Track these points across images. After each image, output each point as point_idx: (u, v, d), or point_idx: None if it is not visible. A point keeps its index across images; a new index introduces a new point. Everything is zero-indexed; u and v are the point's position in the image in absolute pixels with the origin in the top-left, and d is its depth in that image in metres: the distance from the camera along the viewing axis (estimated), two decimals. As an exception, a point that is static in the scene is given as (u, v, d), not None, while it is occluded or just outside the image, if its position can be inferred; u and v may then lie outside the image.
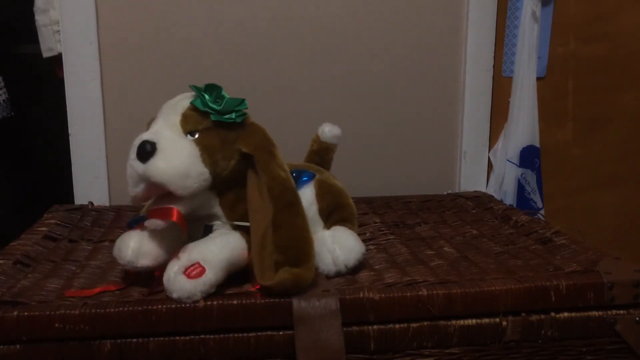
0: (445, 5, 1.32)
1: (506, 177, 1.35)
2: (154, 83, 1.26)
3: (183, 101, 0.78)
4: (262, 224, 0.73)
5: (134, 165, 0.73)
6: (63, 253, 0.92)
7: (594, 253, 0.87)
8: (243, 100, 0.78)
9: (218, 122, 0.76)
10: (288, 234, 0.72)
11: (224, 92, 0.78)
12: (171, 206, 0.73)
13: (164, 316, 0.70)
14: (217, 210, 0.78)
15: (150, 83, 1.26)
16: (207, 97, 0.77)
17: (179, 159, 0.72)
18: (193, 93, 0.79)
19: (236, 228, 0.78)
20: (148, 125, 0.79)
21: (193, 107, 0.77)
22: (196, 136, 0.75)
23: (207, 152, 0.75)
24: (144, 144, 0.72)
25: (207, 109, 0.76)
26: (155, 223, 0.73)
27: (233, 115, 0.77)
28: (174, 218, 0.73)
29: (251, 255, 0.75)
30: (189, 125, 0.75)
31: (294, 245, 0.72)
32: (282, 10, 1.27)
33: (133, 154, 0.73)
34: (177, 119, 0.76)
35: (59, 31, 1.24)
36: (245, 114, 0.79)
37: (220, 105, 0.76)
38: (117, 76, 1.25)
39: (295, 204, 0.74)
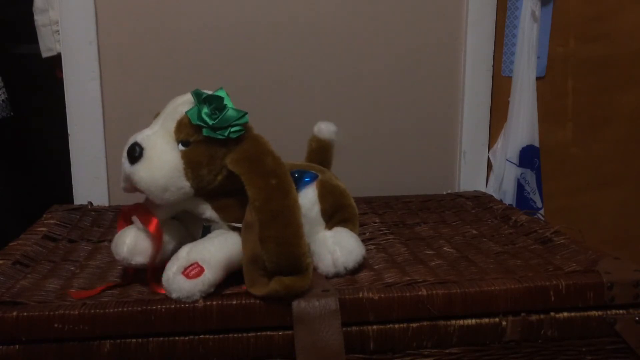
0: (445, 5, 1.32)
1: (506, 177, 1.35)
2: (153, 83, 1.26)
3: (183, 106, 0.76)
4: (253, 240, 0.72)
5: (123, 163, 0.75)
6: (62, 253, 0.92)
7: (593, 253, 0.87)
8: (244, 114, 0.76)
9: (209, 137, 0.74)
10: (276, 250, 0.70)
11: (228, 102, 0.75)
12: (152, 216, 0.76)
13: (163, 316, 0.70)
14: (211, 213, 0.78)
15: (149, 83, 1.26)
16: (204, 109, 0.74)
17: (160, 171, 0.73)
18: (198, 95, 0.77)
19: (234, 228, 0.78)
20: (155, 118, 0.79)
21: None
22: (187, 147, 0.75)
23: (192, 167, 0.74)
24: (133, 146, 0.74)
25: (199, 123, 0.74)
26: (139, 224, 0.77)
27: (226, 133, 0.74)
28: (152, 230, 0.75)
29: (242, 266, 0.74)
30: (181, 134, 0.75)
31: (284, 258, 0.70)
32: (282, 11, 1.27)
33: (125, 152, 0.75)
34: (172, 125, 0.75)
35: (58, 31, 1.25)
36: (242, 129, 0.76)
37: (215, 120, 0.74)
38: (116, 76, 1.25)
39: (280, 213, 0.71)
